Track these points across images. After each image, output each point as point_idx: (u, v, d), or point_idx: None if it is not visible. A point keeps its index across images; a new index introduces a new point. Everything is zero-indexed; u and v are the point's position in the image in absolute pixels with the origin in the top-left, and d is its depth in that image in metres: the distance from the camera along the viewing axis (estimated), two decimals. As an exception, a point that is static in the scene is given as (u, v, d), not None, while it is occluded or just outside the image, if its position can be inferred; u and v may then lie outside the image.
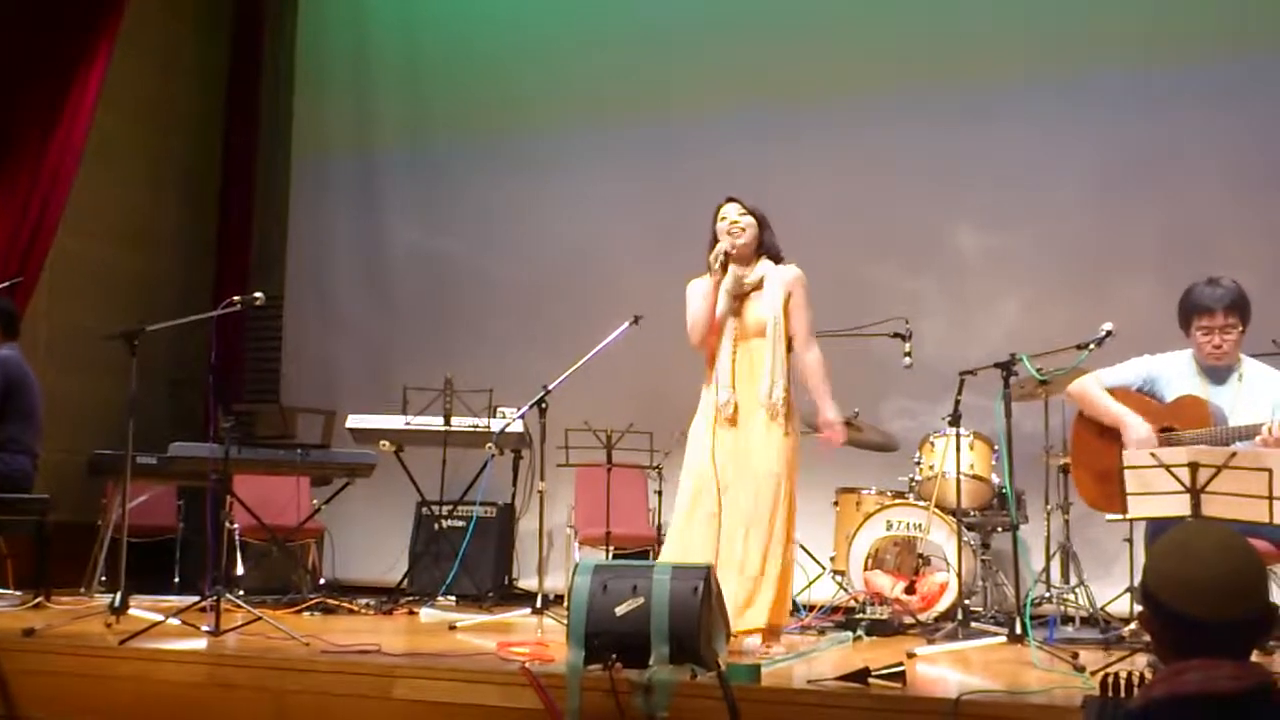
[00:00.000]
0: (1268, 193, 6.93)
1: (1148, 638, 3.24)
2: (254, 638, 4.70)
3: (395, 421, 7.10)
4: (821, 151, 7.77)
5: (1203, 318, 4.49)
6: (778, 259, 4.89)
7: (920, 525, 6.11)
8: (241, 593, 5.91)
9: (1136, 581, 5.49)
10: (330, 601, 6.32)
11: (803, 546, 6.61)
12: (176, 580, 7.35)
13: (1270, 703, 1.99)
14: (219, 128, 9.55)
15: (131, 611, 5.02)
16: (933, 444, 6.33)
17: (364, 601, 6.50)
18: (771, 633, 4.68)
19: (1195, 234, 6.97)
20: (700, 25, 8.31)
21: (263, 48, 9.68)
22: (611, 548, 6.88)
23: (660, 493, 7.39)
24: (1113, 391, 4.67)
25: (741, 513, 4.65)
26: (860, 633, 5.42)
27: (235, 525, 6.57)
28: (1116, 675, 2.90)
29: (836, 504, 6.62)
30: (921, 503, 6.18)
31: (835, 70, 7.88)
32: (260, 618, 4.93)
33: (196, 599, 5.21)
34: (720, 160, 7.65)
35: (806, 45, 7.99)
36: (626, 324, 5.75)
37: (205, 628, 4.76)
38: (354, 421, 7.16)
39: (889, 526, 6.18)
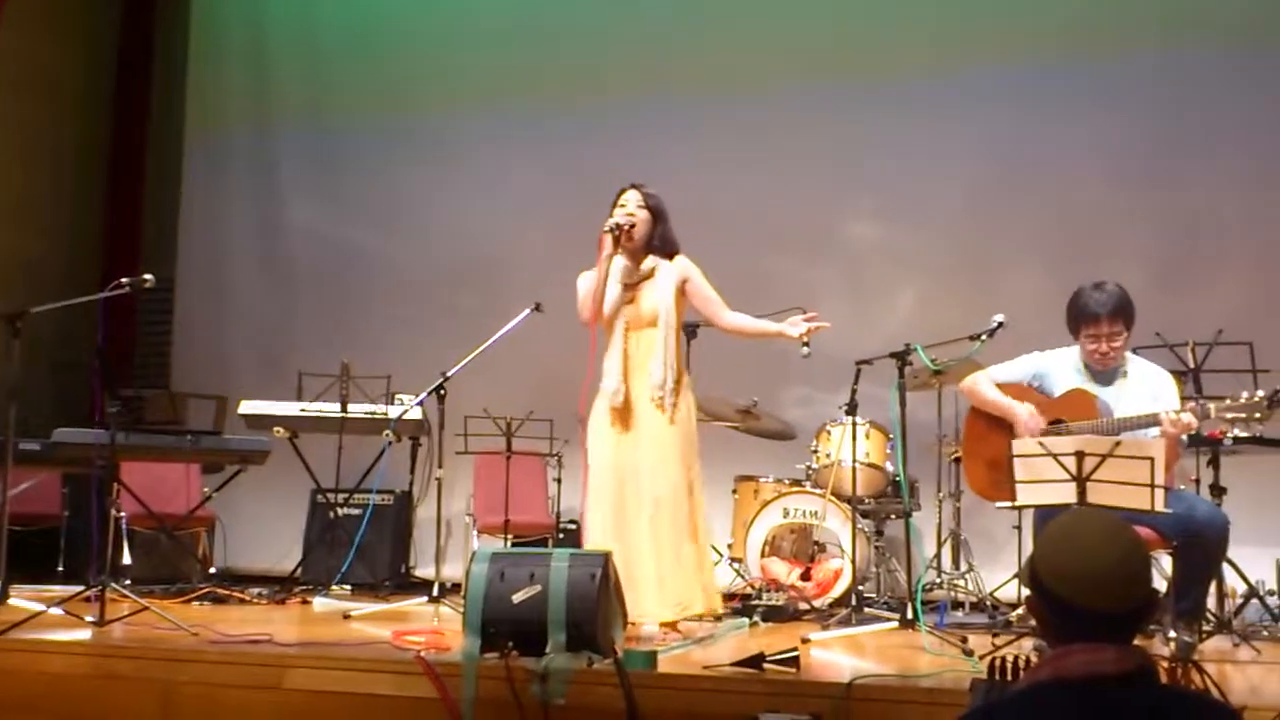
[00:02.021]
0: (1149, 189, 7.13)
1: (1034, 623, 3.32)
2: (141, 628, 4.61)
3: (290, 407, 6.98)
4: (722, 143, 7.81)
5: (1089, 325, 4.57)
6: (672, 254, 4.92)
7: (816, 512, 6.19)
8: (129, 582, 5.78)
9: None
10: (221, 591, 6.20)
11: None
12: (61, 569, 7.14)
13: (1150, 685, 2.04)
14: (109, 102, 9.27)
15: (12, 601, 4.91)
16: (829, 432, 6.41)
17: (256, 591, 6.39)
18: (702, 616, 4.76)
19: (1081, 229, 7.15)
20: (605, 17, 8.30)
21: (155, 18, 9.42)
22: (510, 536, 6.86)
23: (560, 480, 7.38)
24: (1003, 387, 4.76)
25: (643, 503, 4.68)
26: (756, 619, 5.47)
27: (122, 513, 6.41)
28: (1004, 659, 2.97)
29: (735, 492, 6.67)
30: (818, 490, 6.25)
31: (736, 64, 7.92)
32: (147, 607, 4.83)
33: (81, 589, 5.08)
34: (623, 150, 7.63)
35: (708, 40, 8.04)
36: (527, 310, 5.72)
37: (90, 618, 4.65)
38: (247, 407, 7.02)
39: (786, 514, 6.25)
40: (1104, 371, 4.64)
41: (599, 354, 4.89)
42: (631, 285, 4.88)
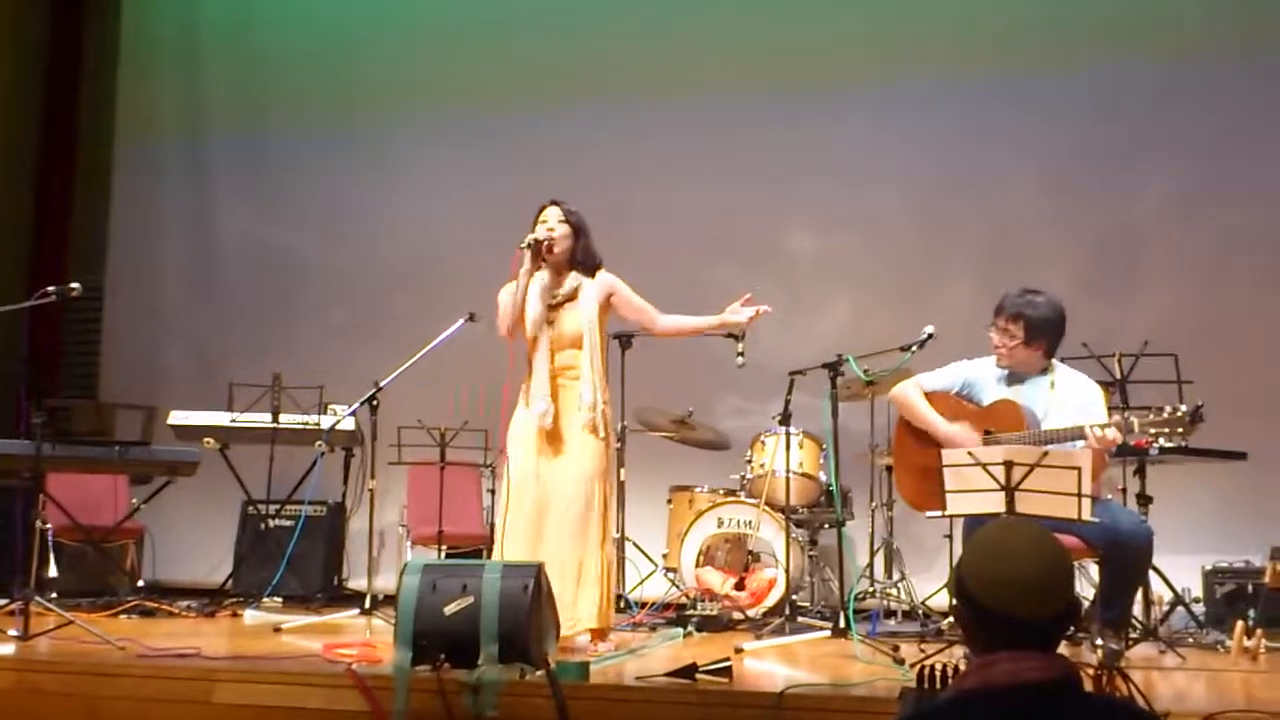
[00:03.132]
0: (1077, 200, 7.24)
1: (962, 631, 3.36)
2: (66, 642, 4.53)
3: (220, 418, 6.90)
4: (659, 152, 7.83)
5: (995, 315, 4.72)
6: (594, 271, 4.89)
7: (750, 522, 6.22)
8: (54, 595, 5.68)
9: (955, 576, 5.68)
10: (149, 604, 6.11)
11: (635, 544, 6.67)
12: (-16, 583, 7.01)
13: (1074, 693, 2.08)
14: (38, 104, 9.10)
15: (-67, 616, 4.78)
16: (763, 442, 6.44)
17: (185, 604, 6.30)
18: (599, 633, 4.70)
19: (1013, 239, 7.25)
20: (543, 25, 8.28)
21: (85, 18, 9.27)
22: (444, 547, 6.81)
23: (494, 491, 7.33)
24: (933, 395, 4.82)
25: (559, 517, 4.67)
26: (690, 629, 5.48)
27: (48, 525, 6.29)
28: (933, 667, 3.01)
29: (670, 502, 6.68)
30: (752, 500, 6.28)
31: (672, 72, 7.94)
32: (72, 621, 4.74)
33: (5, 602, 4.99)
34: (559, 159, 7.64)
35: (645, 47, 8.04)
36: (461, 321, 5.71)
37: (13, 632, 4.57)
38: (176, 418, 6.94)
39: (720, 524, 6.27)
40: (1015, 373, 4.71)
41: (518, 369, 4.86)
42: (555, 305, 4.85)
